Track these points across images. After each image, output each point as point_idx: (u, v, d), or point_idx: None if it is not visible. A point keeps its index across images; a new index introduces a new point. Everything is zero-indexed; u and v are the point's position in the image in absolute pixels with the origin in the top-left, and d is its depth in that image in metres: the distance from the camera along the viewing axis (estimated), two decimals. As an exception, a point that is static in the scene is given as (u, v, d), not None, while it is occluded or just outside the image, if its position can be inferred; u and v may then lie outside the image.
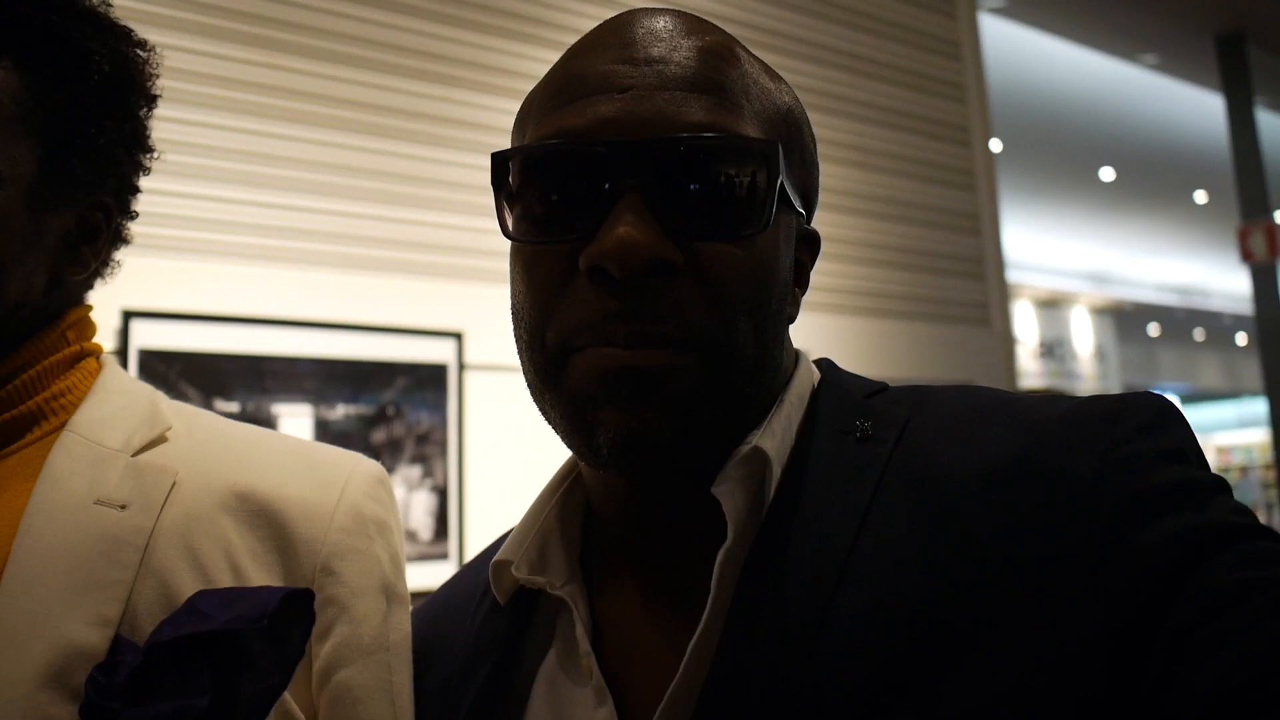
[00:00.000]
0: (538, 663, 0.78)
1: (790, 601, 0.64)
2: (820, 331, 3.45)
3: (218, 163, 2.54)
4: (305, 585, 0.79)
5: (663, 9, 0.76)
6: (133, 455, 0.81)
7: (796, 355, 0.81)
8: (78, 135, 0.86)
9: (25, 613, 0.71)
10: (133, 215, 0.94)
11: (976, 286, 3.98)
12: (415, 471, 2.65)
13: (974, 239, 4.00)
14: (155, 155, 0.94)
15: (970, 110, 4.10)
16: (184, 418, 0.88)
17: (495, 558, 0.79)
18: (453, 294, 2.76)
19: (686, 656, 0.65)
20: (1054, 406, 0.69)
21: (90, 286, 0.92)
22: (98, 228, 0.89)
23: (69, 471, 0.79)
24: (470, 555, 2.64)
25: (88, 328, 0.90)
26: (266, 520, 0.81)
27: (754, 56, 0.78)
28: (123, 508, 0.77)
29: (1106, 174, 9.90)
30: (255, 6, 2.64)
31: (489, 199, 0.76)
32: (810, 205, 0.81)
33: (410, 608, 0.89)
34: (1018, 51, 6.45)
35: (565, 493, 0.81)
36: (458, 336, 2.75)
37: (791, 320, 0.78)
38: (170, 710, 0.66)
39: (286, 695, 0.77)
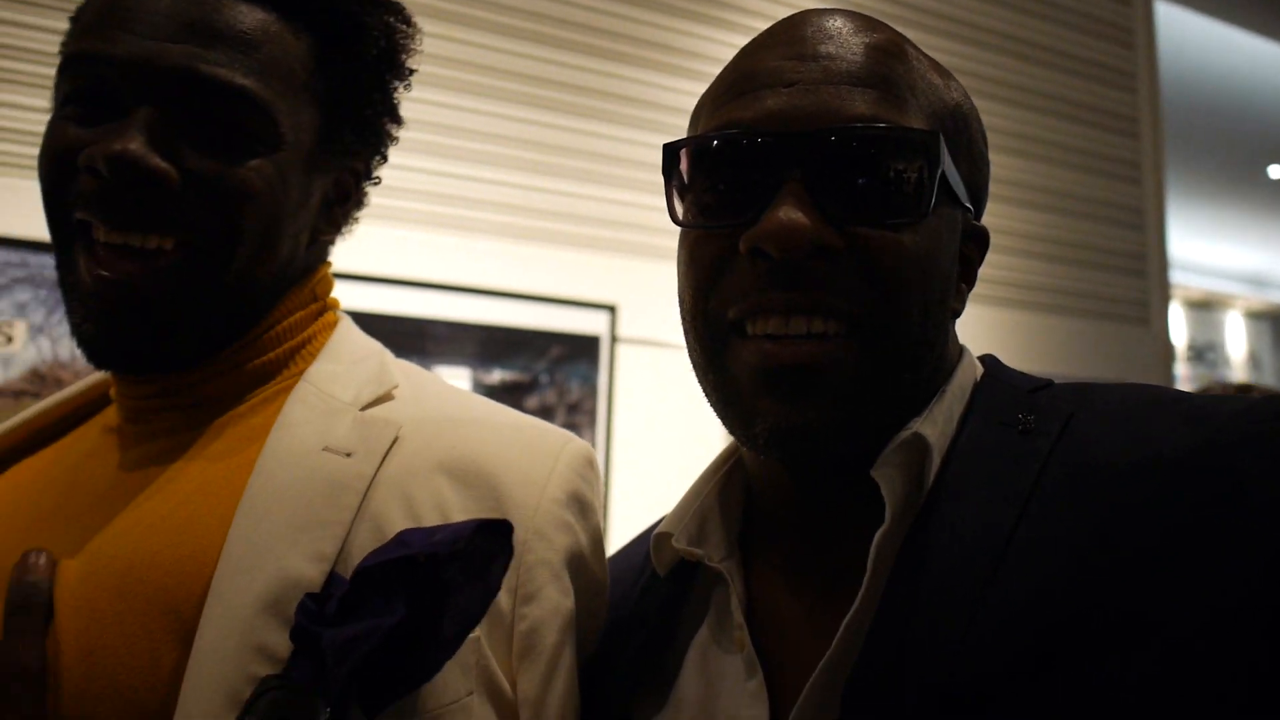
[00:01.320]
0: (692, 633, 0.80)
1: (945, 586, 0.65)
2: (974, 323, 3.37)
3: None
4: (519, 545, 0.81)
5: (834, 9, 0.78)
6: (361, 409, 0.85)
7: (961, 350, 0.82)
8: (351, 105, 0.90)
9: (252, 544, 0.75)
10: (376, 180, 0.98)
11: (1137, 284, 3.83)
12: (564, 439, 2.70)
13: (1137, 234, 3.84)
14: (403, 125, 0.98)
15: (1140, 100, 3.93)
16: (410, 378, 0.92)
17: (657, 530, 0.83)
18: (609, 267, 2.80)
19: (839, 634, 0.66)
20: (1227, 404, 0.68)
21: (334, 245, 0.96)
22: (349, 191, 0.94)
23: (302, 420, 0.83)
24: (615, 524, 2.69)
25: (329, 284, 0.96)
26: (482, 482, 0.83)
27: (923, 54, 0.79)
28: (348, 455, 0.81)
29: (1276, 171, 9.34)
30: (432, -21, 2.72)
31: (651, 175, 0.79)
32: (979, 202, 0.81)
33: (607, 591, 0.90)
34: (1190, 40, 6.12)
35: (727, 473, 0.84)
36: (612, 309, 2.79)
37: (956, 314, 0.80)
38: (363, 629, 0.69)
39: (491, 658, 0.79)
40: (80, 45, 0.81)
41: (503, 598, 0.80)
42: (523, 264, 2.73)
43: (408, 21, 0.95)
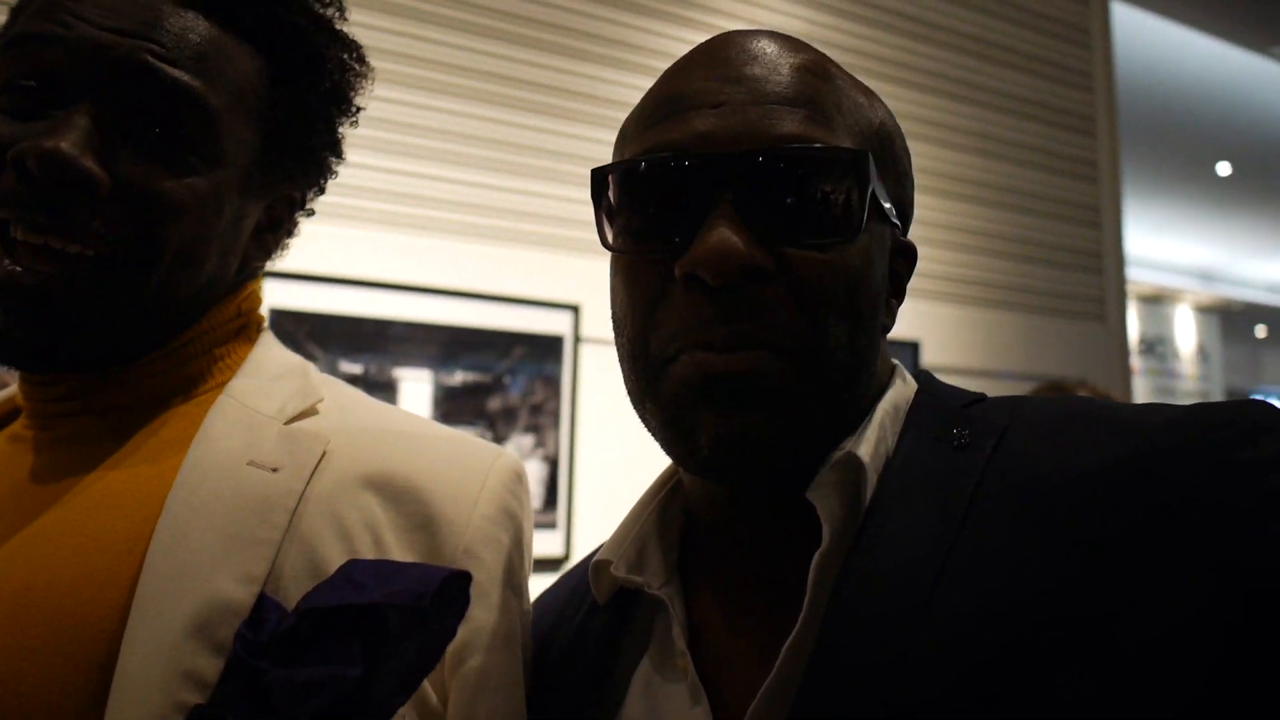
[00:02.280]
0: (635, 662, 0.80)
1: (886, 604, 0.64)
2: (933, 320, 3.40)
3: (349, 129, 2.58)
4: (448, 565, 0.79)
5: (758, 30, 0.78)
6: (285, 423, 0.83)
7: (893, 367, 0.82)
8: (296, 133, 0.88)
9: (177, 564, 0.71)
10: (309, 212, 0.97)
11: (1093, 281, 3.88)
12: (528, 440, 2.69)
13: (1093, 232, 3.90)
14: (341, 162, 0.96)
15: (1097, 99, 3.98)
16: (334, 391, 0.90)
17: (595, 558, 0.82)
18: (572, 267, 2.78)
19: (781, 657, 0.66)
20: (1159, 413, 0.69)
21: (262, 267, 0.94)
22: (281, 219, 0.92)
23: (224, 434, 0.80)
24: (578, 525, 2.67)
25: (255, 300, 0.93)
26: (412, 499, 0.81)
27: (847, 74, 0.79)
28: (274, 470, 0.78)
29: (1223, 168, 9.53)
30: (391, -25, 2.68)
31: None
32: (906, 218, 0.82)
33: (530, 607, 0.90)
34: (1145, 40, 6.23)
35: (665, 498, 0.83)
36: (575, 309, 2.77)
37: (887, 330, 0.79)
38: (321, 677, 0.67)
39: (424, 682, 0.78)
40: (29, 27, 0.78)
41: None
42: (485, 264, 2.70)
43: (362, 60, 0.94)
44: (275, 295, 2.43)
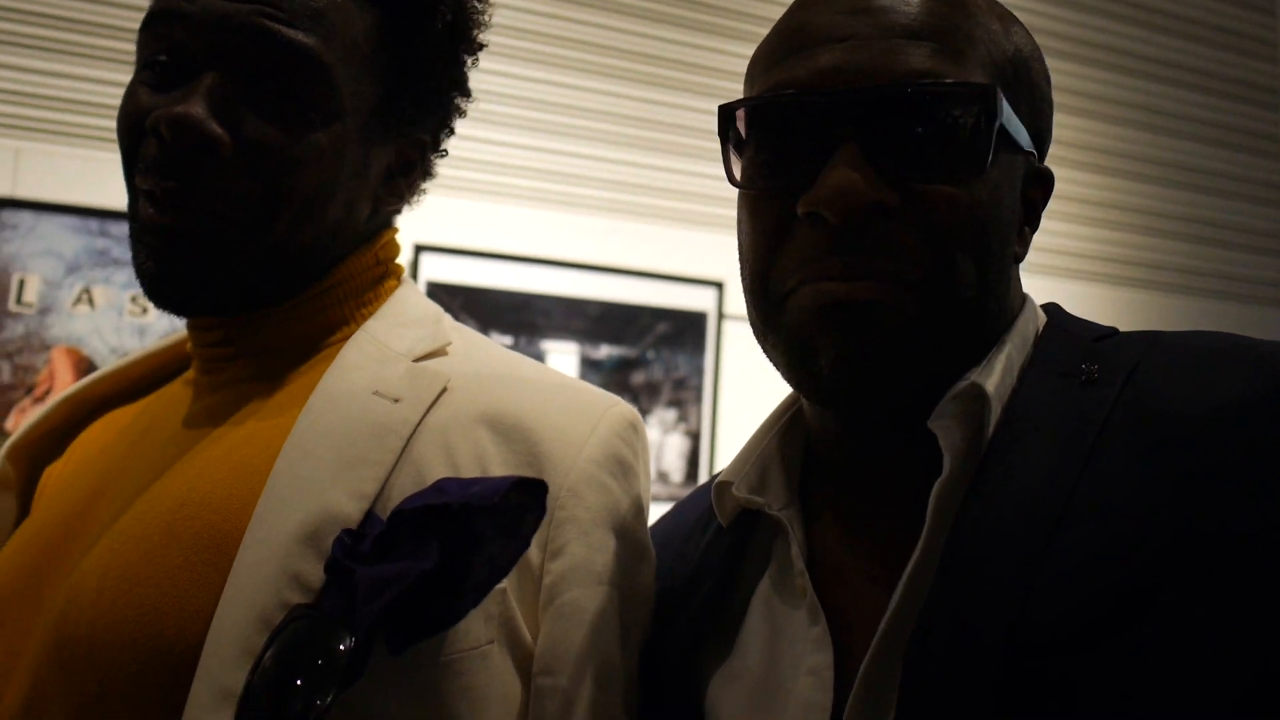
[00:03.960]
0: (756, 581, 0.80)
1: (1008, 537, 0.63)
2: (1096, 304, 3.25)
3: (502, 108, 2.67)
4: (551, 502, 0.81)
5: None
6: (414, 360, 0.87)
7: (1024, 298, 0.80)
8: (415, 78, 0.91)
9: (296, 478, 0.77)
10: (443, 153, 1.00)
11: (1273, 263, 3.63)
12: (670, 415, 2.72)
13: (1274, 210, 3.65)
14: (472, 100, 0.99)
15: (1283, 70, 3.72)
16: (464, 338, 0.94)
17: (718, 479, 0.82)
18: (717, 244, 2.80)
19: (900, 588, 0.66)
20: None
21: (399, 213, 0.99)
22: (413, 163, 0.96)
23: (356, 365, 0.85)
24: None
25: (393, 249, 0.97)
26: (522, 437, 0.83)
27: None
28: (396, 401, 0.82)
29: None
30: (545, -40, 2.75)
31: None
32: (1042, 144, 0.79)
33: (653, 551, 0.90)
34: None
35: (787, 423, 0.83)
36: (719, 286, 2.79)
37: (1019, 260, 0.78)
38: (397, 571, 0.71)
39: (516, 610, 0.80)
40: (158, 4, 0.85)
41: (533, 552, 0.81)
42: (632, 240, 2.75)
43: None
44: (431, 269, 2.53)
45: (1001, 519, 0.64)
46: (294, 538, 0.74)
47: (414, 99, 0.92)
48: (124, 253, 2.24)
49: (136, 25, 0.88)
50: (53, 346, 2.21)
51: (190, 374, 0.94)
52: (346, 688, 0.69)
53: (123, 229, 2.22)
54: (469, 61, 0.97)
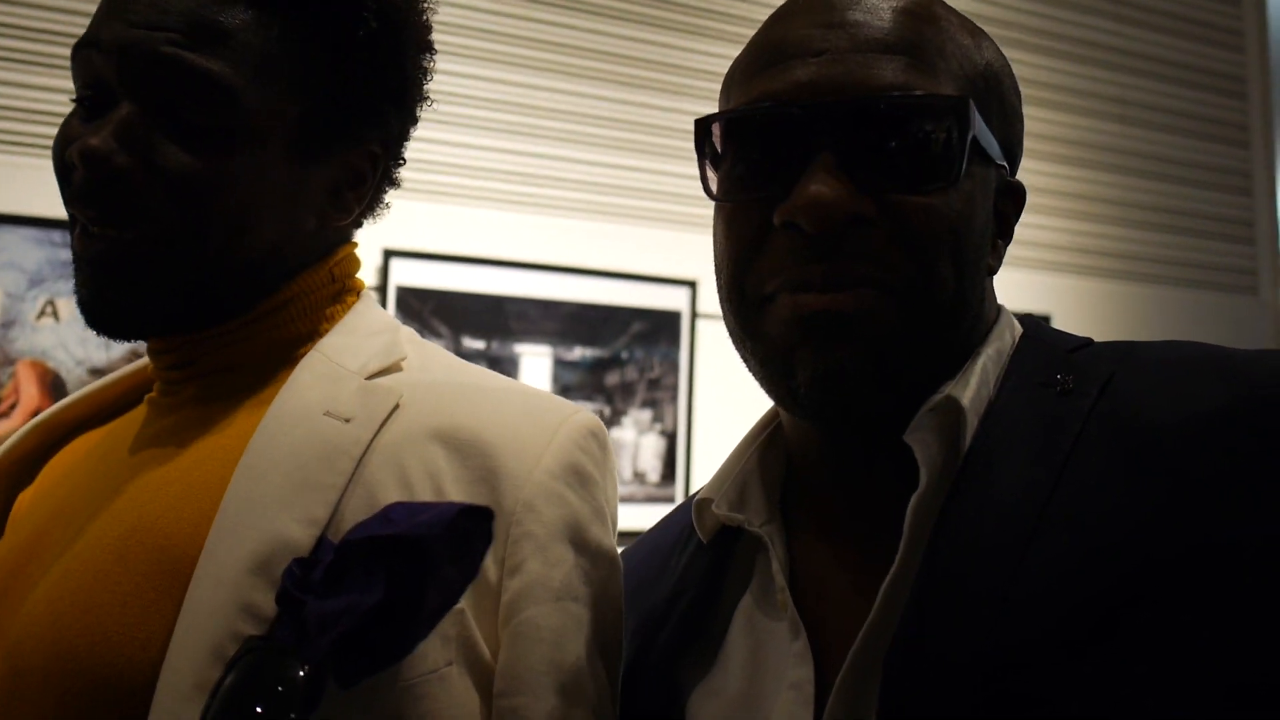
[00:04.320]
0: (737, 597, 0.81)
1: (984, 550, 0.64)
2: (1066, 293, 3.27)
3: (470, 111, 2.65)
4: (507, 517, 0.81)
5: None
6: (366, 378, 0.86)
7: (999, 310, 0.81)
8: (341, 90, 0.88)
9: (248, 504, 0.76)
10: (401, 161, 0.97)
11: (1244, 251, 3.66)
12: (645, 415, 2.72)
13: (1244, 199, 3.68)
14: (429, 102, 0.96)
15: (1249, 60, 3.75)
16: (421, 352, 0.92)
17: (698, 496, 0.83)
18: (689, 243, 2.79)
19: (879, 599, 0.66)
20: (1268, 360, 0.67)
21: (359, 225, 0.97)
22: (363, 175, 0.93)
23: (308, 385, 0.84)
24: (696, 500, 2.69)
25: (351, 264, 0.96)
26: (477, 451, 0.82)
27: (955, 14, 0.78)
28: (347, 421, 0.82)
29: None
30: (510, -40, 2.74)
31: None
32: (1013, 158, 0.81)
33: (620, 561, 0.88)
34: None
35: (766, 439, 0.84)
36: (692, 285, 2.79)
37: (993, 272, 0.79)
38: (344, 605, 0.70)
39: (474, 629, 0.79)
40: (86, 32, 0.85)
41: (491, 569, 0.80)
42: (604, 241, 2.74)
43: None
44: (401, 274, 2.52)
45: (978, 531, 0.65)
46: (245, 567, 0.73)
47: (348, 112, 0.89)
48: (88, 264, 2.21)
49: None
50: (17, 360, 2.18)
51: (151, 394, 0.93)
52: (305, 716, 0.68)
53: (86, 240, 2.19)
54: (423, 65, 0.95)
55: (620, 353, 2.72)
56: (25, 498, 0.95)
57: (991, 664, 0.60)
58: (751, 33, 0.82)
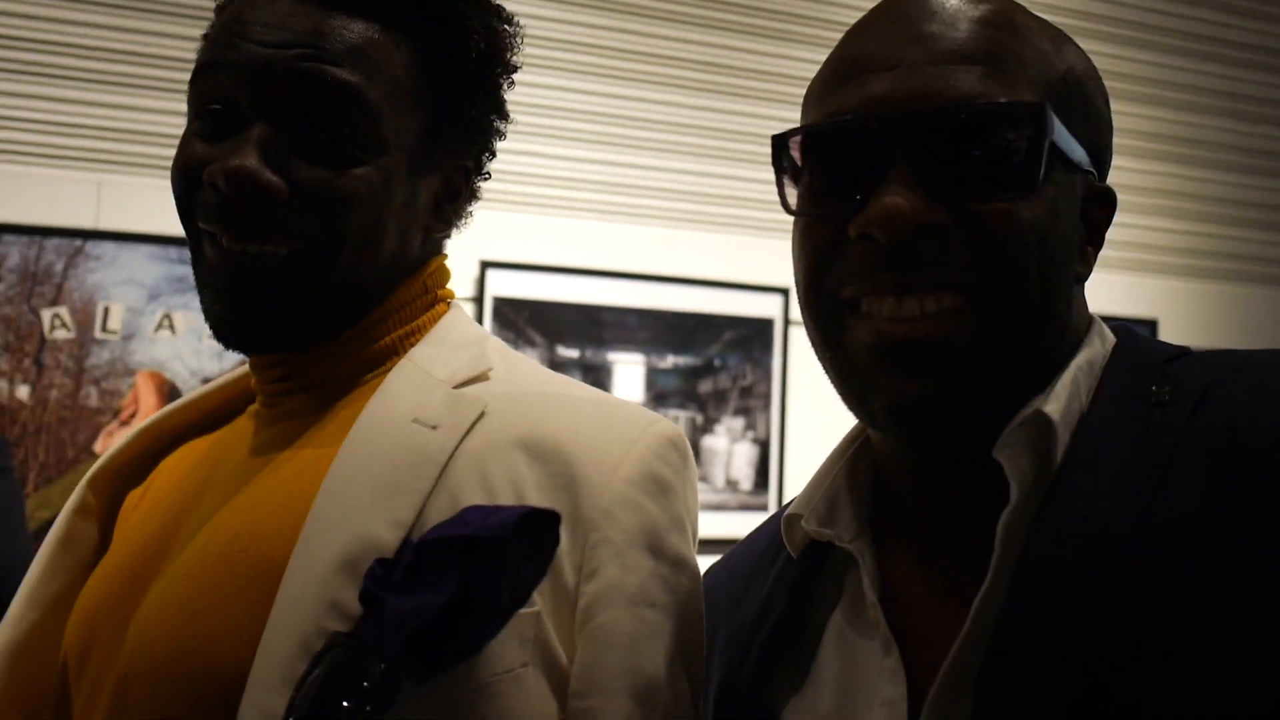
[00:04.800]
0: (829, 612, 0.81)
1: (1078, 565, 0.63)
2: (1172, 296, 3.17)
3: (562, 123, 2.70)
4: (586, 524, 0.83)
5: None
6: (454, 386, 0.89)
7: (1090, 319, 0.79)
8: (454, 107, 0.93)
9: (337, 506, 0.80)
10: (486, 175, 1.02)
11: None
12: (738, 423, 2.72)
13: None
14: (510, 121, 1.01)
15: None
16: (507, 363, 0.95)
17: (787, 512, 0.83)
18: (782, 251, 2.77)
19: (971, 615, 0.66)
20: None
21: (448, 237, 1.01)
22: (459, 189, 0.98)
23: (398, 393, 0.88)
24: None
25: (443, 275, 1.00)
26: (557, 459, 0.84)
27: (1035, 20, 0.78)
28: (434, 428, 0.84)
29: None
30: (602, -27, 2.78)
31: None
32: (1101, 163, 0.79)
33: (699, 570, 0.89)
34: None
35: (855, 453, 0.84)
36: (784, 292, 2.79)
37: (1081, 280, 0.78)
38: (419, 602, 0.72)
39: (551, 633, 0.81)
40: (206, 56, 0.89)
41: (568, 574, 0.82)
42: (697, 250, 2.76)
43: (508, 20, 0.98)
44: (497, 284, 2.57)
45: (1072, 544, 0.65)
46: (334, 566, 0.77)
47: (455, 128, 0.94)
48: (202, 278, 2.31)
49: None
50: (137, 371, 2.29)
51: (255, 406, 0.98)
52: (384, 711, 0.71)
53: (200, 256, 2.30)
54: (505, 85, 0.99)
55: (713, 360, 2.73)
56: (135, 497, 1.01)
57: (1087, 679, 0.60)
58: (840, 36, 0.83)
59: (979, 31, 0.74)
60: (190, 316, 2.32)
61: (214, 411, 1.05)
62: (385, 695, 0.71)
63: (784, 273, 2.81)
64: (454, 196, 0.98)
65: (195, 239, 0.90)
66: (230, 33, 0.87)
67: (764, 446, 2.73)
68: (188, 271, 2.43)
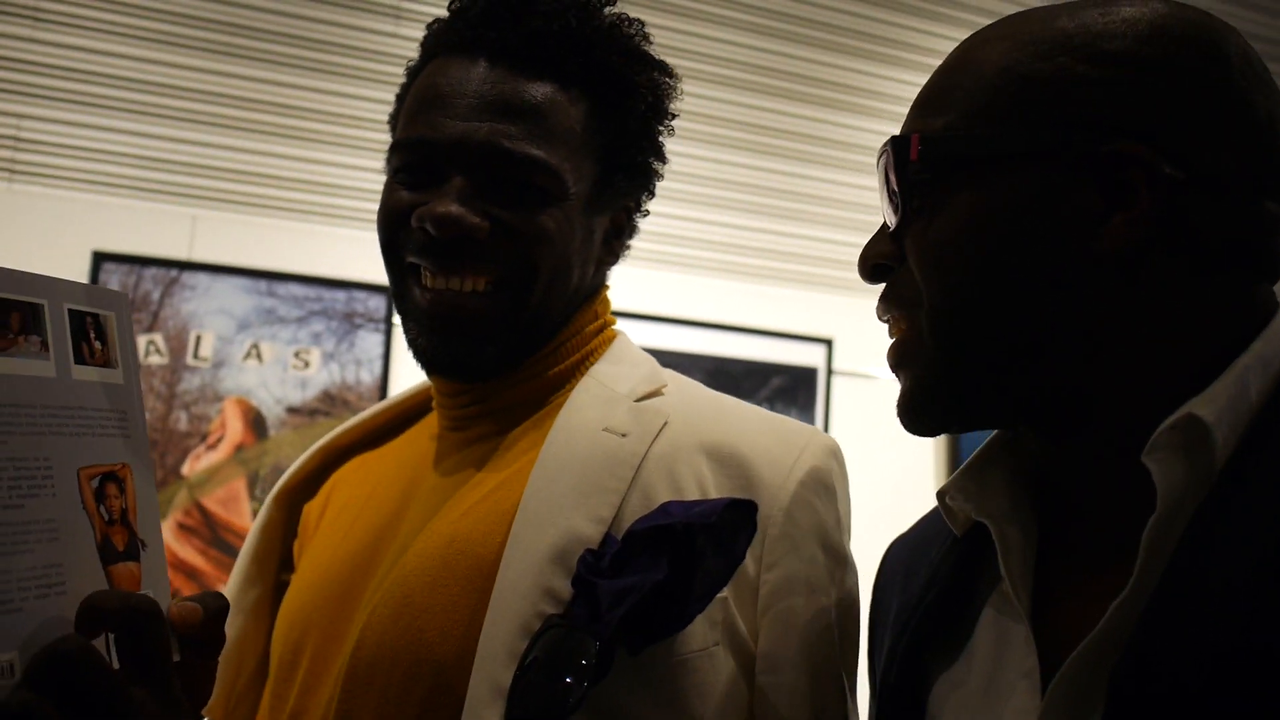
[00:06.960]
0: (988, 593, 0.81)
1: (1233, 576, 0.60)
2: None
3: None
4: (764, 520, 0.92)
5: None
6: (635, 400, 0.99)
7: (1272, 314, 0.71)
8: (623, 154, 1.05)
9: (544, 504, 0.90)
10: (645, 213, 1.14)
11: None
12: (782, 466, 2.82)
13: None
14: (665, 165, 1.12)
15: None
16: (675, 380, 1.07)
17: (941, 489, 0.83)
18: (826, 303, 2.93)
19: (1108, 614, 0.64)
20: None
21: (609, 271, 1.13)
22: (623, 226, 1.10)
23: (586, 405, 0.98)
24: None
25: (606, 304, 1.12)
26: (736, 464, 0.95)
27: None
28: (623, 436, 0.95)
29: None
30: (657, 36, 2.92)
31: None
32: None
33: (855, 565, 1.00)
34: None
35: (1011, 437, 0.82)
36: (828, 343, 2.92)
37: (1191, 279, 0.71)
38: (633, 583, 0.82)
39: (737, 616, 0.91)
40: (408, 132, 1.01)
41: (750, 565, 0.92)
42: (746, 299, 2.89)
43: (669, 73, 1.10)
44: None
45: (1227, 560, 0.61)
46: (546, 557, 0.87)
47: (623, 173, 1.06)
48: (289, 311, 2.42)
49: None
50: (225, 398, 2.39)
51: (434, 429, 1.08)
52: (596, 684, 0.81)
53: (288, 289, 2.41)
54: (665, 132, 1.11)
55: (760, 405, 2.84)
56: (312, 508, 1.12)
57: (1234, 692, 0.57)
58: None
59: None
60: (276, 347, 2.42)
61: (377, 430, 1.17)
62: (601, 669, 0.81)
63: (828, 324, 2.95)
64: (620, 233, 1.10)
65: (399, 275, 1.02)
66: (429, 107, 1.00)
67: (806, 489, 2.83)
68: (275, 304, 2.59)
